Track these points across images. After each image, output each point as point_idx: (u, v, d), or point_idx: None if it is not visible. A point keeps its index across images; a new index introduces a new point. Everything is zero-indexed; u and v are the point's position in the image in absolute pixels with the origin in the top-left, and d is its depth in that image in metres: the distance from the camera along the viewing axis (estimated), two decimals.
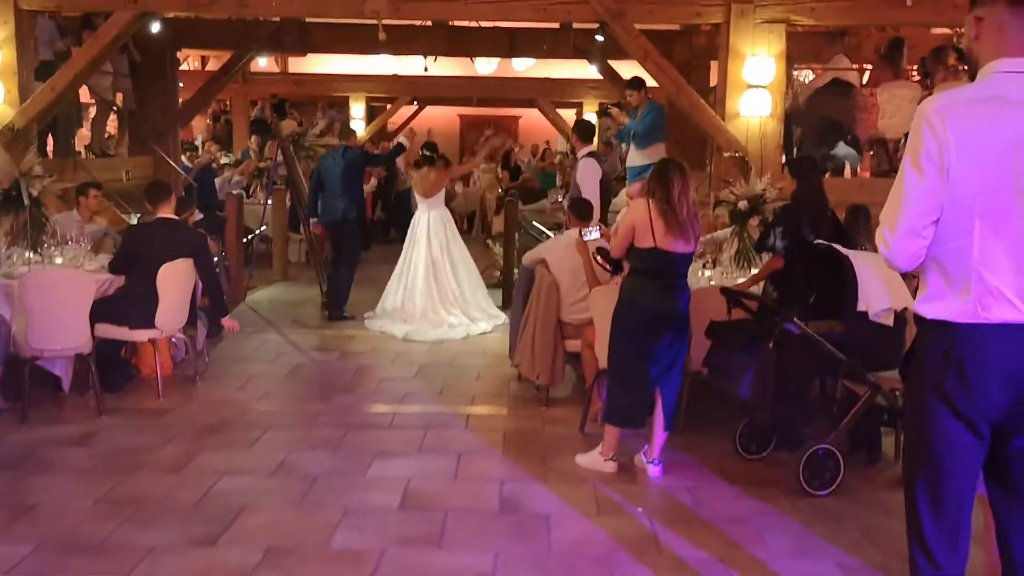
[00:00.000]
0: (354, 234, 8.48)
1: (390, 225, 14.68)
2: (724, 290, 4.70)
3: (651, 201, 4.34)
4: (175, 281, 5.81)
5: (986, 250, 2.23)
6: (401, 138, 9.08)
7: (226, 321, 5.98)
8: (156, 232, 5.79)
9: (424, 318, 7.98)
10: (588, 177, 6.90)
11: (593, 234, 5.12)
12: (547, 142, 18.05)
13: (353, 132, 9.35)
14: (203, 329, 6.51)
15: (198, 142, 16.46)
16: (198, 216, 7.60)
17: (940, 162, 2.23)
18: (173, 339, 6.32)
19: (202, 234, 6.02)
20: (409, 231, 8.50)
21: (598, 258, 4.87)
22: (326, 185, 8.55)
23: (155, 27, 8.00)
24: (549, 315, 5.64)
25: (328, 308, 8.39)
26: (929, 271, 2.31)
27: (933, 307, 2.30)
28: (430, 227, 8.29)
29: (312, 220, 8.62)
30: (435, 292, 8.09)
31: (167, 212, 5.90)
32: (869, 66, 9.11)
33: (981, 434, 2.30)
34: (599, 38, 8.59)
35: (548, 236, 9.91)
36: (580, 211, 5.90)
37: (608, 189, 7.01)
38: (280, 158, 9.84)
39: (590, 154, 6.99)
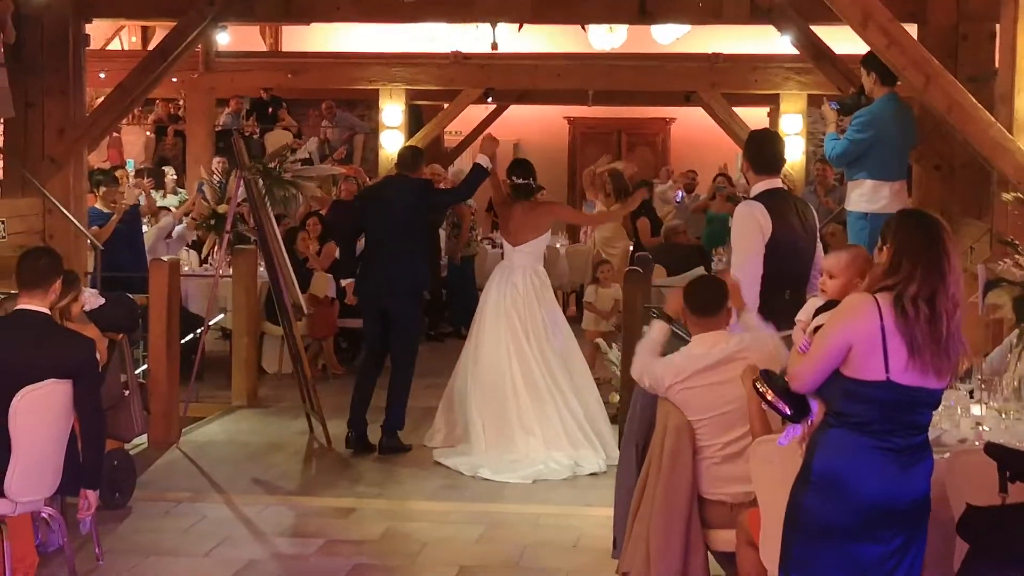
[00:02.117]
0: (417, 319, 9.16)
1: (441, 310, 14.72)
2: (994, 448, 4.42)
3: (885, 298, 4.16)
4: (38, 419, 5.81)
5: None
6: (481, 159, 9.26)
7: (85, 498, 5.90)
8: (5, 337, 5.83)
9: (502, 444, 8.64)
10: (740, 234, 6.62)
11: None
12: (723, 165, 17.89)
13: (419, 155, 9.56)
14: (92, 498, 6.48)
15: (129, 168, 16.99)
16: (95, 302, 7.70)
17: None
18: (43, 514, 6.32)
19: (86, 341, 6.04)
20: (483, 298, 9.02)
21: (763, 390, 4.63)
22: (373, 235, 9.03)
23: None
24: (678, 485, 5.49)
25: (384, 434, 9.07)
26: None
27: None
28: (520, 289, 8.74)
29: (345, 281, 9.40)
30: (525, 400, 8.70)
31: (36, 302, 5.92)
32: None
33: None
34: None
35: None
36: (695, 300, 5.72)
37: (790, 249, 6.62)
38: (243, 194, 10.00)
39: (764, 194, 6.70)
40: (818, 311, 4.99)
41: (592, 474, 8.54)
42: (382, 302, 9.00)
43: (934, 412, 4.41)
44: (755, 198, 6.56)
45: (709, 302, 5.71)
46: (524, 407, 8.74)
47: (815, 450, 4.34)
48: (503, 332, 8.84)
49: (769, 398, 4.63)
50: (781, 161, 6.93)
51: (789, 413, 4.60)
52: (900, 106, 8.22)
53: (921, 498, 4.29)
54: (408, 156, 9.46)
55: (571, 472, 8.50)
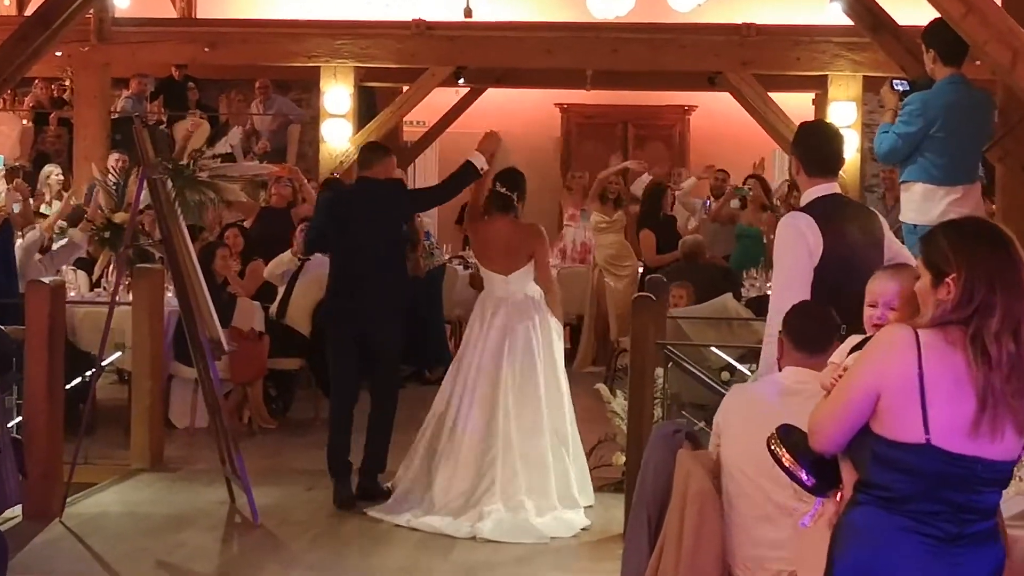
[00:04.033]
0: (400, 344, 9.99)
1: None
2: None
3: (930, 335, 4.12)
4: None
5: None
6: (476, 157, 9.76)
7: None
8: None
9: (496, 498, 9.13)
10: (782, 253, 6.69)
11: None
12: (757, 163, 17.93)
13: (384, 153, 10.01)
14: None
15: None
16: None
17: None
18: None
19: None
20: (467, 336, 9.79)
21: (779, 451, 4.57)
22: (345, 252, 9.67)
23: None
24: (704, 557, 5.53)
25: (364, 477, 9.72)
26: None
27: None
28: (510, 324, 9.44)
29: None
30: (523, 447, 9.30)
31: None
32: None
33: None
34: None
35: (733, 377, 9.69)
36: (795, 331, 5.79)
37: (847, 271, 6.70)
38: (147, 199, 9.98)
39: (816, 202, 6.76)
40: (854, 350, 4.91)
41: (591, 557, 8.63)
42: (361, 328, 9.61)
43: (1002, 491, 4.23)
44: (805, 208, 6.61)
45: (815, 337, 5.73)
46: (514, 463, 9.22)
47: (837, 536, 4.27)
48: (501, 360, 9.39)
49: (785, 463, 4.55)
50: (840, 160, 6.97)
51: (809, 484, 4.53)
52: (965, 91, 8.27)
53: None
54: (372, 155, 9.92)
55: (569, 531, 9.05)
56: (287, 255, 12.43)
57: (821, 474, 4.47)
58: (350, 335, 9.64)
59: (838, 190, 6.81)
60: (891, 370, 4.12)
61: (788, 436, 4.57)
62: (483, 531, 8.87)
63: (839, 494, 4.43)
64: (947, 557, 4.11)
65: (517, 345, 9.39)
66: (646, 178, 17.18)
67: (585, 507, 9.44)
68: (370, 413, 9.69)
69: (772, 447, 4.57)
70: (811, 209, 6.55)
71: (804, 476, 4.50)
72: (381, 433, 9.65)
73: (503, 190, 9.64)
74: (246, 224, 13.68)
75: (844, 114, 16.48)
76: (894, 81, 8.81)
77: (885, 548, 4.13)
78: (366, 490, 9.60)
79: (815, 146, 6.83)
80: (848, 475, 4.34)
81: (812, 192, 6.66)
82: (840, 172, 7.06)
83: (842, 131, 16.06)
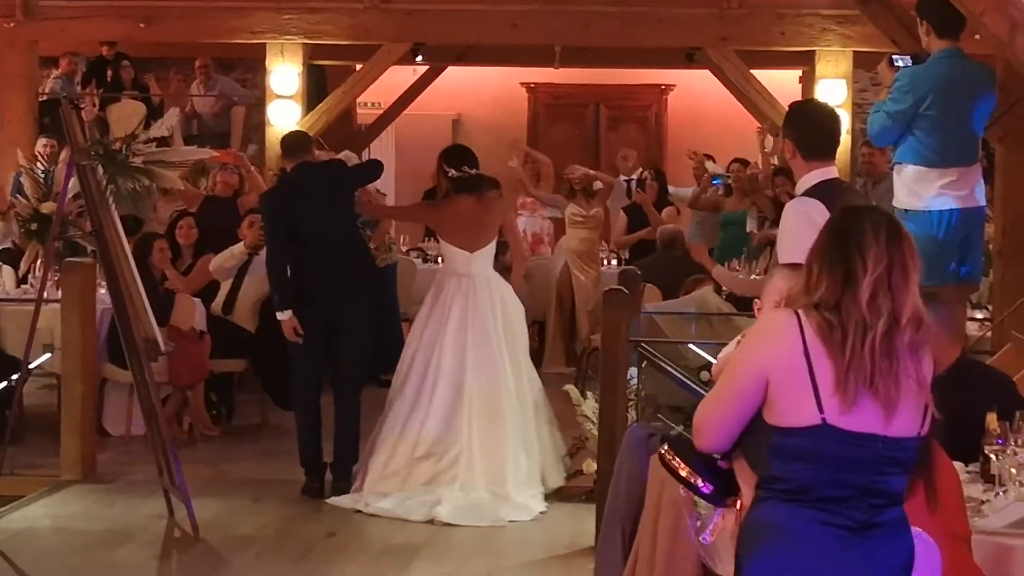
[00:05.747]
0: (371, 329, 10.24)
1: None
2: None
3: (804, 313, 4.17)
4: None
5: None
6: None
7: None
8: None
9: (459, 481, 9.62)
10: (794, 242, 6.62)
11: None
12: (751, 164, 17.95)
13: (306, 140, 10.43)
14: None
15: None
16: None
17: None
18: None
19: None
20: (422, 314, 10.07)
21: (674, 462, 4.55)
22: (307, 241, 9.88)
23: None
24: (680, 567, 5.57)
25: (336, 476, 10.10)
26: None
27: None
28: (476, 302, 9.80)
29: (284, 315, 10.00)
30: (485, 426, 9.74)
31: None
32: None
33: None
34: None
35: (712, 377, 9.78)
36: None
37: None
38: (76, 187, 9.95)
39: (819, 187, 6.75)
40: None
41: (560, 572, 8.64)
42: (333, 313, 10.01)
43: (904, 477, 4.25)
44: (809, 192, 6.59)
45: None
46: (493, 427, 9.71)
47: (744, 537, 4.29)
48: (462, 338, 9.79)
49: (683, 474, 4.52)
50: (837, 141, 6.95)
51: (706, 491, 4.53)
52: (960, 66, 8.28)
53: None
54: (300, 141, 10.32)
55: (528, 515, 9.56)
56: (239, 248, 12.38)
57: (717, 482, 4.49)
58: (316, 326, 9.86)
59: (836, 174, 6.82)
60: (776, 353, 4.19)
61: (681, 445, 4.56)
62: (441, 515, 9.28)
63: (738, 502, 4.43)
64: (859, 548, 4.15)
65: (480, 329, 9.71)
66: (686, 191, 17.36)
67: (554, 488, 9.95)
68: (337, 405, 10.01)
69: (667, 459, 4.54)
70: (817, 194, 6.51)
71: (701, 483, 4.50)
72: (352, 426, 9.94)
73: (469, 170, 9.98)
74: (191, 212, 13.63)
75: (833, 92, 16.37)
76: (893, 57, 8.81)
77: (795, 543, 4.16)
78: (341, 488, 9.92)
79: (811, 127, 6.82)
80: (745, 478, 4.35)
81: (812, 176, 6.62)
82: None
83: None
